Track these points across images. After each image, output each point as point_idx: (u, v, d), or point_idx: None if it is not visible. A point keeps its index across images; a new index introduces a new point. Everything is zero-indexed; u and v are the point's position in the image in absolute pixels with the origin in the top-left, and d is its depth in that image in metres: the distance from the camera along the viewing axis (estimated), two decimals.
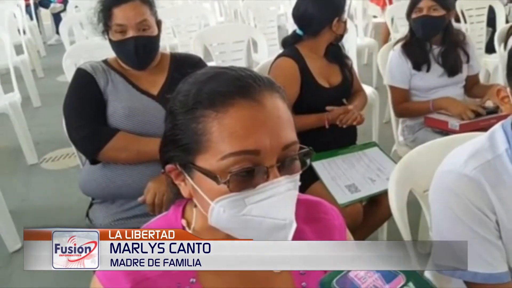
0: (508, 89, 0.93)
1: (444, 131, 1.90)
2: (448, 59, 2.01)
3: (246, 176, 0.59)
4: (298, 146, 0.63)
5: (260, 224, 0.60)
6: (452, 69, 2.01)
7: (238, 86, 0.61)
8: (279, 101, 0.63)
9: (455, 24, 3.80)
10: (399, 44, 2.08)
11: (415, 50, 2.02)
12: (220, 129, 0.59)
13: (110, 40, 1.44)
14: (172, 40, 3.84)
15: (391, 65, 2.08)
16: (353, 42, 2.93)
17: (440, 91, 2.03)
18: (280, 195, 0.60)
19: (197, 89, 0.62)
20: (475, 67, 2.13)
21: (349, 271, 0.48)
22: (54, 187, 2.81)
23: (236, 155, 0.59)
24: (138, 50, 1.41)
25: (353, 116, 1.74)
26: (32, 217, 2.50)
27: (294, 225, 0.61)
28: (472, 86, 2.14)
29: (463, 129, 1.81)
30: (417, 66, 2.01)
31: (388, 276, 0.46)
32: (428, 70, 2.01)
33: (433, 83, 2.03)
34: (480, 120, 1.87)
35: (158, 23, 1.49)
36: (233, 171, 0.59)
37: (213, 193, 0.61)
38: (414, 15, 2.02)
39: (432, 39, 2.02)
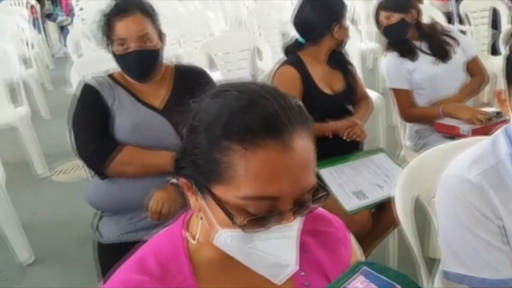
0: (507, 93, 0.93)
1: (455, 136, 1.88)
2: (433, 47, 2.07)
3: (261, 218, 0.60)
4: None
5: (263, 258, 0.61)
6: (441, 53, 2.06)
7: (271, 125, 0.58)
8: (308, 141, 0.61)
9: (459, 26, 3.81)
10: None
11: (399, 44, 2.10)
12: (246, 169, 0.58)
13: (113, 53, 1.46)
14: (177, 50, 3.86)
15: (388, 69, 2.13)
16: (357, 48, 2.93)
17: (442, 78, 2.05)
18: (289, 239, 0.61)
19: (227, 119, 0.59)
20: (468, 50, 2.13)
21: (347, 283, 0.48)
22: (65, 200, 2.83)
23: (256, 199, 0.59)
24: (139, 63, 1.42)
25: (358, 132, 1.74)
26: (43, 230, 2.52)
27: (296, 268, 0.63)
28: (474, 73, 2.13)
29: (475, 134, 1.78)
30: (406, 54, 2.07)
31: None
32: (416, 59, 2.06)
33: (431, 69, 2.05)
34: (491, 124, 1.84)
35: (161, 36, 1.50)
36: (250, 213, 0.59)
37: (223, 223, 0.61)
38: (380, 29, 2.14)
39: (409, 38, 2.09)
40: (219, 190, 0.60)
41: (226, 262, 0.68)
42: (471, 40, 3.42)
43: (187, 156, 0.64)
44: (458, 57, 2.09)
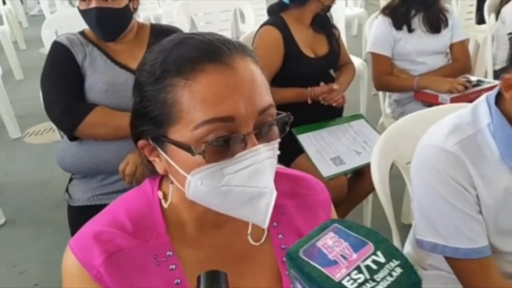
0: None
1: (434, 104, 1.89)
2: (429, 20, 2.02)
3: (223, 145, 0.56)
4: (275, 111, 0.61)
5: (240, 194, 0.58)
6: (433, 26, 2.01)
7: (207, 50, 0.57)
8: (252, 64, 0.60)
9: None
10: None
11: (398, 11, 2.02)
12: (191, 97, 0.56)
13: (78, 8, 1.39)
14: (157, 10, 3.73)
15: (376, 32, 2.07)
16: (342, 13, 2.87)
17: (423, 57, 2.02)
18: (260, 164, 0.58)
19: (163, 57, 0.58)
20: (457, 33, 2.09)
21: (317, 240, 0.46)
22: (38, 161, 2.78)
23: (209, 123, 0.55)
24: (100, 21, 1.35)
25: (336, 97, 1.72)
26: (15, 192, 2.48)
27: (275, 193, 0.59)
28: (457, 58, 2.10)
29: (454, 102, 1.79)
30: (398, 25, 2.01)
31: (357, 245, 0.44)
32: (409, 31, 2.01)
33: (416, 44, 2.01)
34: (469, 92, 1.85)
35: None
36: (208, 140, 0.56)
37: (189, 166, 0.58)
38: None
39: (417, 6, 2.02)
40: (174, 133, 0.58)
41: (201, 222, 0.66)
42: (457, 9, 3.39)
43: (139, 112, 0.62)
44: (445, 39, 2.05)
